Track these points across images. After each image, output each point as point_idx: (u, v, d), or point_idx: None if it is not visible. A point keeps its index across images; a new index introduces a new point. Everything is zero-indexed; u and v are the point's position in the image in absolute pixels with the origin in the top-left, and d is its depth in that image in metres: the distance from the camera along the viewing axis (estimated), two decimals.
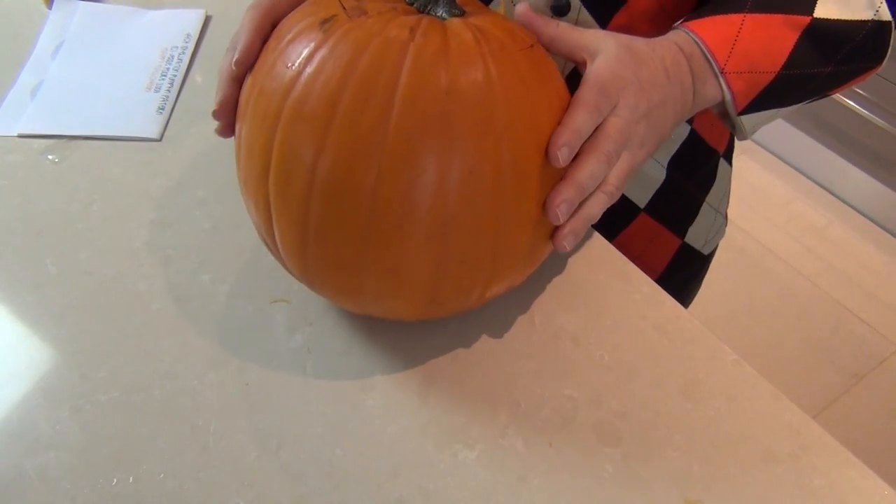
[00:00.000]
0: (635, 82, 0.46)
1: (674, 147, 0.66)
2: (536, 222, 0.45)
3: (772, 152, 2.07)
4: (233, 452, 0.48)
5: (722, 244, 0.82)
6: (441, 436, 0.49)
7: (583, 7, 0.56)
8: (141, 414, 0.49)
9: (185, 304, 0.55)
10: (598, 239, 0.60)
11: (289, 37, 0.44)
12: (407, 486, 0.47)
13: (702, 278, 0.83)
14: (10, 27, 0.78)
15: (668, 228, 0.72)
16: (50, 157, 0.65)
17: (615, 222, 0.67)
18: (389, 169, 0.41)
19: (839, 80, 0.54)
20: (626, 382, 0.52)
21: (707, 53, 0.49)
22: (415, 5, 0.46)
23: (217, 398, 0.50)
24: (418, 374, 0.52)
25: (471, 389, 0.51)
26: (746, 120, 0.53)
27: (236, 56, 0.46)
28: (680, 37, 0.50)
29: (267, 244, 0.49)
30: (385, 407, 0.50)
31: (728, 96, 0.51)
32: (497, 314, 0.55)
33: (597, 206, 0.46)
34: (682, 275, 0.77)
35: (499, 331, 0.54)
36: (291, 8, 0.48)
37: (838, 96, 1.73)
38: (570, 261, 0.59)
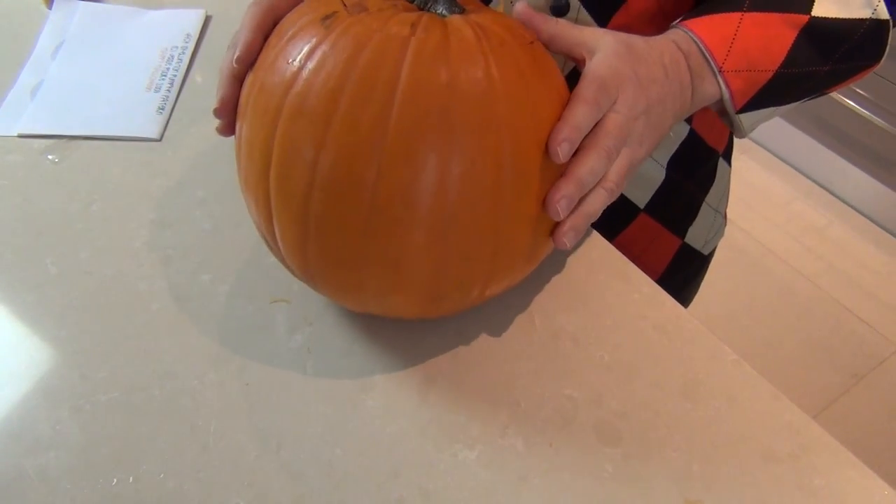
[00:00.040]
0: (634, 79, 0.46)
1: (673, 147, 0.66)
2: (537, 219, 0.45)
3: (772, 152, 2.07)
4: (233, 452, 0.48)
5: (722, 244, 0.82)
6: (441, 436, 0.49)
7: (582, 7, 0.56)
8: (141, 414, 0.49)
9: (185, 304, 0.55)
10: (597, 239, 0.60)
11: (290, 33, 0.44)
12: (407, 486, 0.47)
13: (701, 278, 0.83)
14: (10, 27, 0.78)
15: (668, 229, 0.72)
16: (50, 157, 0.65)
17: (615, 222, 0.68)
18: (390, 164, 0.41)
19: (837, 78, 0.54)
20: (626, 382, 0.52)
21: (705, 52, 0.50)
22: (415, 3, 0.46)
23: (217, 398, 0.50)
24: (418, 373, 0.52)
25: (471, 389, 0.51)
26: (745, 118, 0.53)
27: (237, 53, 0.46)
28: (678, 35, 0.50)
29: (267, 242, 0.49)
30: (385, 407, 0.50)
31: (726, 95, 0.51)
32: (497, 314, 0.55)
33: (597, 203, 0.46)
34: (682, 275, 0.77)
35: (499, 331, 0.54)
36: (292, 6, 0.48)
37: (838, 96, 1.73)
38: (570, 261, 0.59)
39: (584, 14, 0.56)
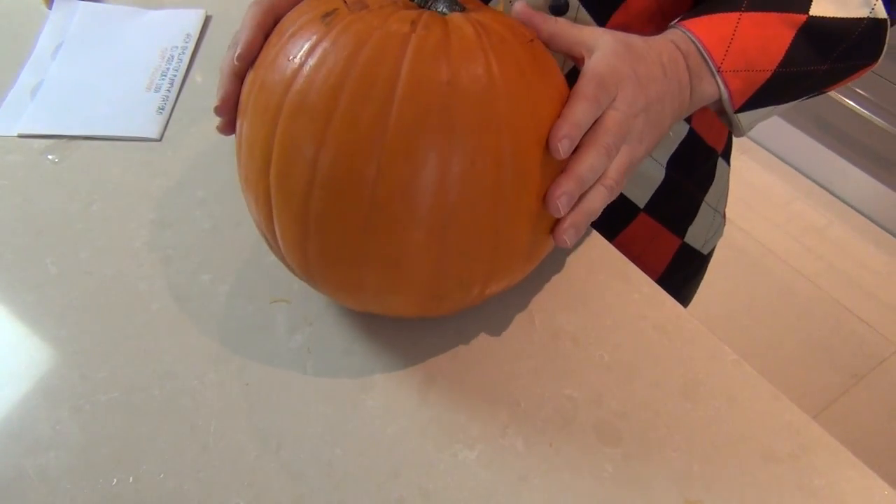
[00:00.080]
0: (633, 77, 0.46)
1: (673, 146, 0.66)
2: (537, 216, 0.45)
3: (772, 152, 2.07)
4: (233, 452, 0.48)
5: (722, 244, 0.82)
6: (441, 436, 0.49)
7: (581, 6, 0.56)
8: (141, 414, 0.49)
9: (185, 304, 0.55)
10: (597, 239, 0.60)
11: (290, 31, 0.44)
12: (407, 485, 0.47)
13: (701, 278, 0.83)
14: (10, 27, 0.78)
15: (668, 228, 0.72)
16: (50, 157, 0.65)
17: (615, 222, 0.68)
18: (390, 160, 0.41)
19: (835, 77, 0.54)
20: (626, 382, 0.52)
21: (703, 52, 0.50)
22: (416, 1, 0.46)
23: (217, 398, 0.50)
24: (418, 373, 0.52)
25: (471, 389, 0.51)
26: (743, 117, 0.53)
27: (238, 51, 0.47)
28: (676, 35, 0.50)
29: (267, 240, 0.49)
30: (385, 407, 0.50)
31: (725, 94, 0.51)
32: (497, 314, 0.55)
33: (597, 200, 0.46)
34: (681, 274, 0.77)
35: (499, 330, 0.54)
36: (293, 5, 0.48)
37: (838, 96, 1.74)
38: (570, 260, 0.59)
39: (583, 13, 0.56)
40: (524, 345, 0.54)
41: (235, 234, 0.59)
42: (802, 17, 0.50)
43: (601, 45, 0.46)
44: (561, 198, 0.44)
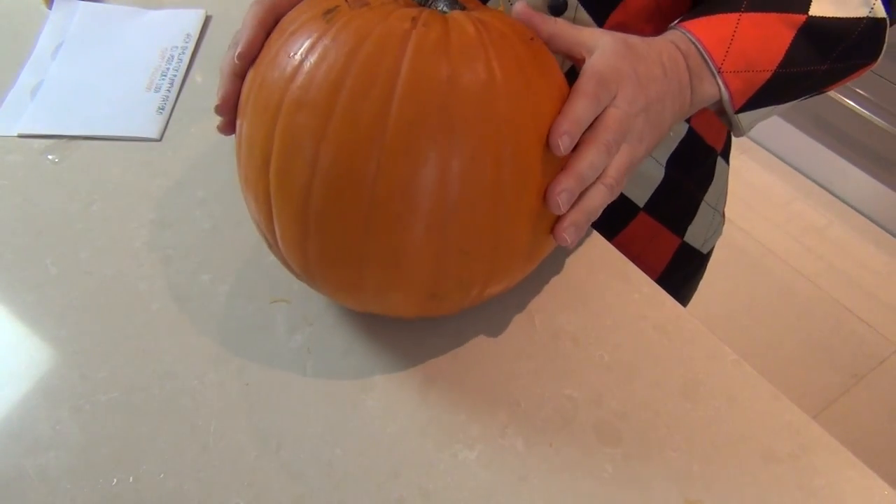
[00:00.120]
0: (633, 76, 0.46)
1: (672, 145, 0.66)
2: (537, 214, 0.45)
3: (771, 152, 2.07)
4: (233, 452, 0.48)
5: (721, 244, 0.82)
6: (441, 436, 0.49)
7: (579, 5, 0.56)
8: (141, 414, 0.49)
9: (185, 304, 0.55)
10: (597, 238, 0.60)
11: (291, 29, 0.44)
12: (407, 486, 0.47)
13: (700, 277, 0.83)
14: (10, 27, 0.78)
15: (668, 227, 0.72)
16: (50, 157, 0.65)
17: (615, 221, 0.68)
18: (390, 157, 0.41)
19: (835, 77, 0.54)
20: (626, 382, 0.52)
21: (703, 53, 0.50)
22: None
23: (217, 398, 0.50)
24: (418, 373, 0.52)
25: (471, 389, 0.51)
26: (743, 117, 0.53)
27: (239, 49, 0.47)
28: (676, 36, 0.50)
29: (267, 240, 0.49)
30: (385, 407, 0.50)
31: (725, 95, 0.51)
32: (497, 314, 0.55)
33: (597, 199, 0.46)
34: (681, 274, 0.77)
35: (499, 331, 0.54)
36: (294, 4, 0.48)
37: (838, 96, 1.74)
38: (570, 261, 0.59)
39: (582, 12, 0.56)
40: (524, 345, 0.54)
41: (235, 234, 0.59)
42: (802, 18, 0.50)
43: (601, 44, 0.46)
44: (561, 194, 0.44)
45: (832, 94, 1.68)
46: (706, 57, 0.50)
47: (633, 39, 0.48)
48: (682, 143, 0.67)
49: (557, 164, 0.45)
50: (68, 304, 0.55)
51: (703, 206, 0.73)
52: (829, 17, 0.50)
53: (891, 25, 0.53)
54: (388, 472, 0.47)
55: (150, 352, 0.52)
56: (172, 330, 0.53)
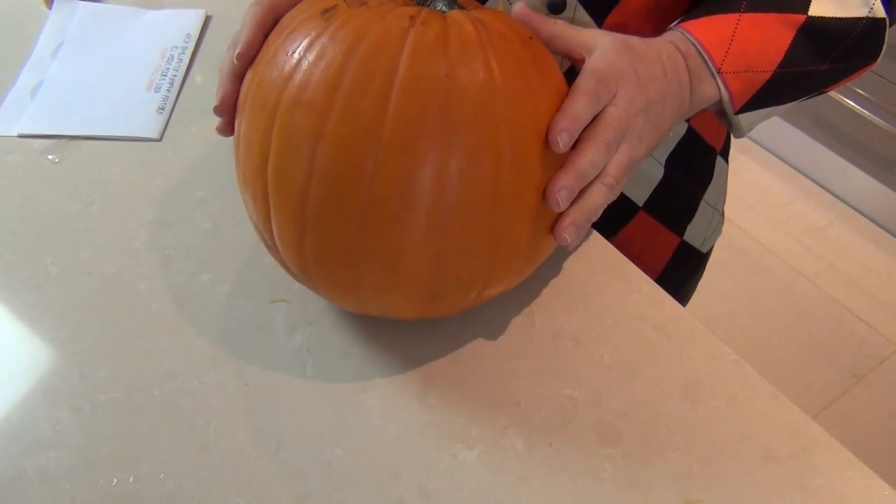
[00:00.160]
0: (633, 76, 0.46)
1: (671, 144, 0.66)
2: (537, 213, 0.45)
3: (771, 152, 2.07)
4: (233, 452, 0.48)
5: (721, 244, 0.82)
6: (441, 436, 0.49)
7: (578, 4, 0.56)
8: (141, 414, 0.49)
9: (185, 304, 0.55)
10: (597, 238, 0.60)
11: (289, 29, 0.44)
12: (407, 486, 0.47)
13: (700, 276, 0.83)
14: (10, 27, 0.78)
15: (667, 227, 0.72)
16: (50, 157, 0.65)
17: (614, 220, 0.68)
18: (388, 155, 0.41)
19: (835, 77, 0.54)
20: (626, 382, 0.52)
21: (703, 53, 0.50)
22: None
23: (217, 398, 0.50)
24: (418, 374, 0.52)
25: (471, 389, 0.51)
26: (743, 118, 0.53)
27: (238, 49, 0.47)
28: (675, 37, 0.50)
29: (265, 241, 0.49)
30: (385, 407, 0.50)
31: (725, 96, 0.51)
32: (497, 314, 0.55)
33: (597, 198, 0.46)
34: (680, 273, 0.77)
35: (499, 330, 0.54)
36: (293, 5, 0.48)
37: (838, 96, 1.74)
38: (570, 261, 0.59)
39: (581, 11, 0.56)
40: (524, 345, 0.54)
41: (235, 234, 0.59)
42: (801, 18, 0.50)
43: (601, 44, 0.46)
44: (560, 191, 0.44)
45: (832, 94, 1.68)
46: (706, 57, 0.50)
47: (633, 40, 0.48)
48: (682, 142, 0.67)
49: (557, 162, 0.45)
50: (68, 304, 0.55)
51: (702, 205, 0.73)
52: (828, 17, 0.50)
53: (890, 25, 0.53)
54: (388, 472, 0.47)
55: (150, 352, 0.52)
56: (172, 330, 0.53)
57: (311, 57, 0.42)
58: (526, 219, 0.45)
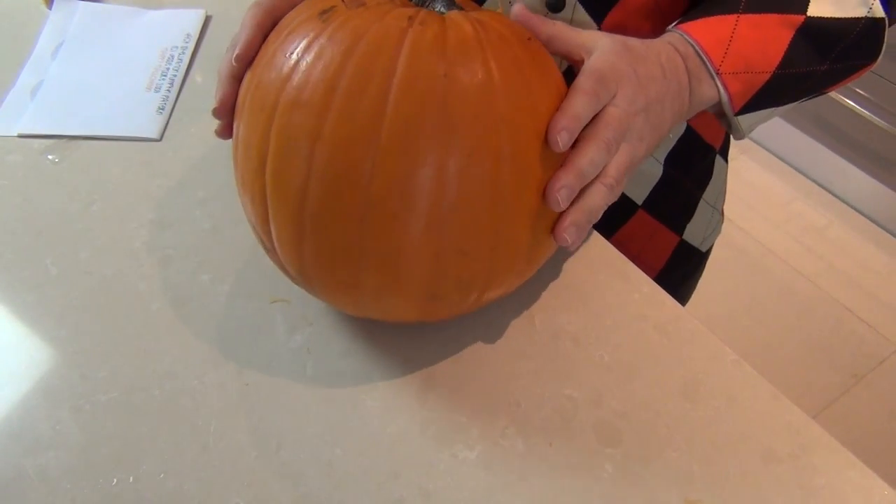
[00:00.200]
0: (633, 76, 0.46)
1: (670, 143, 0.66)
2: (537, 213, 0.45)
3: (772, 152, 2.07)
4: (233, 452, 0.48)
5: (721, 244, 0.82)
6: (441, 436, 0.49)
7: (578, 3, 0.56)
8: (141, 414, 0.49)
9: (185, 304, 0.55)
10: (597, 238, 0.60)
11: (288, 30, 0.44)
12: (407, 486, 0.47)
13: (699, 276, 0.83)
14: (10, 27, 0.78)
15: (666, 225, 0.72)
16: (50, 157, 0.65)
17: (613, 219, 0.67)
18: (386, 156, 0.41)
19: (835, 77, 0.54)
20: (626, 382, 0.52)
21: (702, 54, 0.50)
22: (413, 0, 0.46)
23: (217, 398, 0.50)
24: (418, 374, 0.52)
25: (471, 389, 0.51)
26: (743, 119, 0.53)
27: (237, 51, 0.47)
28: (674, 38, 0.50)
29: (263, 243, 0.49)
30: (385, 407, 0.50)
31: (725, 97, 0.51)
32: (497, 314, 0.55)
33: (597, 198, 0.46)
34: (680, 272, 0.77)
35: (499, 330, 0.54)
36: (293, 6, 0.48)
37: (838, 96, 1.74)
38: (570, 261, 0.59)
39: (580, 10, 0.56)
40: (524, 345, 0.54)
41: (235, 234, 0.59)
42: (800, 18, 0.50)
43: (600, 45, 0.46)
44: (561, 191, 0.44)
45: (832, 94, 1.68)
46: (704, 59, 0.50)
47: (632, 41, 0.48)
48: (681, 141, 0.67)
49: (557, 162, 0.44)
50: (68, 304, 0.55)
51: (701, 204, 0.73)
52: (827, 18, 0.50)
53: (890, 25, 0.53)
54: (388, 472, 0.47)
55: (150, 352, 0.52)
56: (172, 330, 0.53)
57: (309, 58, 0.42)
58: (526, 219, 0.45)
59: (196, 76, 0.73)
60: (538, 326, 0.55)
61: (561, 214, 0.46)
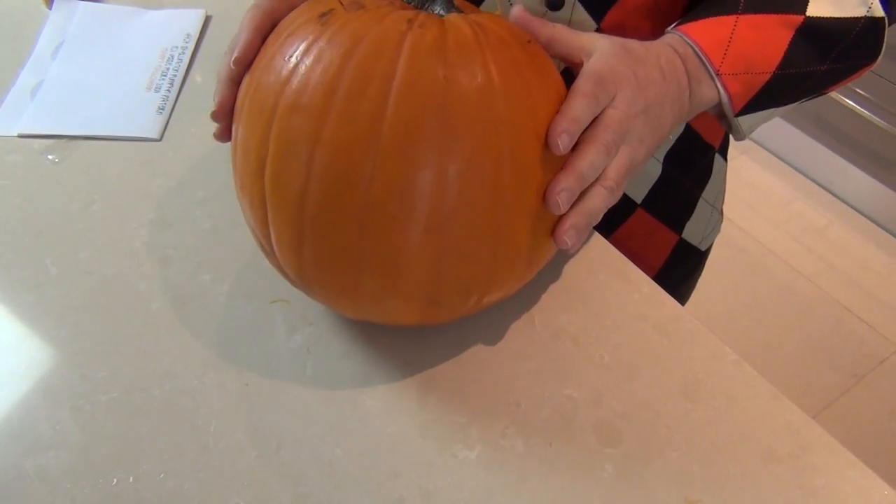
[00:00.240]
0: (632, 78, 0.46)
1: (670, 142, 0.66)
2: (537, 216, 0.45)
3: (772, 152, 2.07)
4: (233, 452, 0.48)
5: (721, 243, 0.82)
6: (441, 436, 0.49)
7: (577, 2, 0.56)
8: (141, 414, 0.49)
9: (185, 304, 0.55)
10: (597, 238, 0.60)
11: (286, 33, 0.44)
12: (407, 486, 0.47)
13: (699, 275, 0.83)
14: (10, 27, 0.78)
15: (666, 224, 0.72)
16: (50, 157, 0.65)
17: (612, 218, 0.67)
18: (386, 159, 0.40)
19: (835, 77, 0.54)
20: (626, 382, 0.52)
21: (701, 56, 0.50)
22: (413, 2, 0.46)
23: (217, 398, 0.50)
24: (418, 374, 0.52)
25: (471, 390, 0.51)
26: (744, 120, 0.53)
27: (235, 54, 0.46)
28: (673, 39, 0.50)
29: (262, 247, 0.49)
30: (385, 407, 0.50)
31: (725, 98, 0.51)
32: (497, 315, 0.55)
33: (597, 201, 0.46)
34: (679, 271, 0.77)
35: (499, 331, 0.54)
36: (292, 9, 0.48)
37: (838, 96, 1.74)
38: (570, 261, 0.59)
39: (580, 10, 0.56)
40: (524, 345, 0.54)
41: (235, 234, 0.59)
42: (799, 18, 0.50)
43: (599, 47, 0.46)
44: (561, 193, 0.44)
45: (832, 94, 1.68)
46: (704, 60, 0.50)
47: (631, 44, 0.48)
48: (680, 139, 0.67)
49: (556, 165, 0.44)
50: (68, 304, 0.55)
51: (700, 203, 0.73)
52: (826, 18, 0.50)
53: (889, 25, 0.53)
54: (388, 472, 0.47)
55: (150, 352, 0.52)
56: (172, 330, 0.53)
57: (308, 61, 0.42)
58: (526, 222, 0.45)
59: (196, 76, 0.73)
60: (538, 326, 0.55)
61: (561, 217, 0.46)
